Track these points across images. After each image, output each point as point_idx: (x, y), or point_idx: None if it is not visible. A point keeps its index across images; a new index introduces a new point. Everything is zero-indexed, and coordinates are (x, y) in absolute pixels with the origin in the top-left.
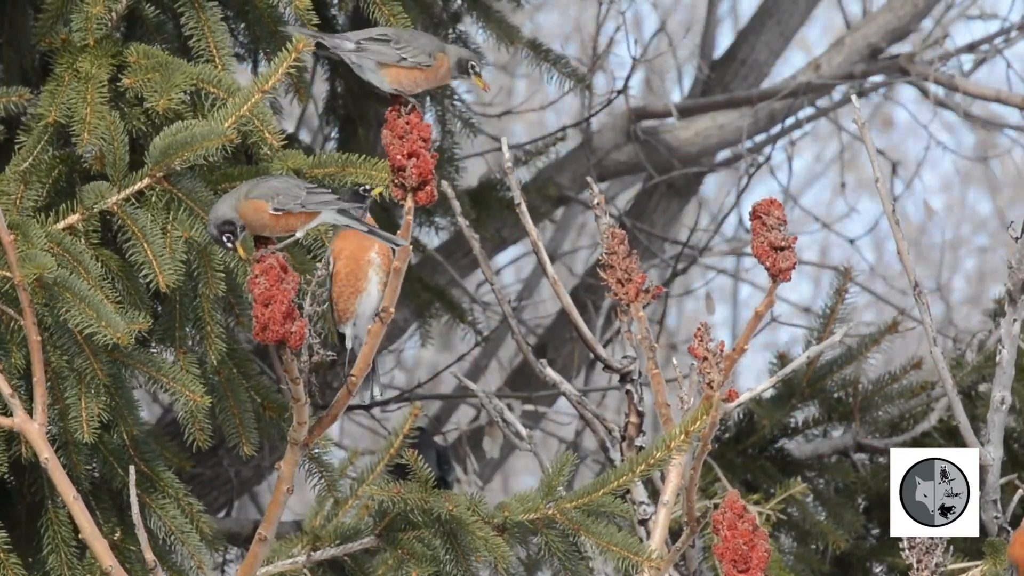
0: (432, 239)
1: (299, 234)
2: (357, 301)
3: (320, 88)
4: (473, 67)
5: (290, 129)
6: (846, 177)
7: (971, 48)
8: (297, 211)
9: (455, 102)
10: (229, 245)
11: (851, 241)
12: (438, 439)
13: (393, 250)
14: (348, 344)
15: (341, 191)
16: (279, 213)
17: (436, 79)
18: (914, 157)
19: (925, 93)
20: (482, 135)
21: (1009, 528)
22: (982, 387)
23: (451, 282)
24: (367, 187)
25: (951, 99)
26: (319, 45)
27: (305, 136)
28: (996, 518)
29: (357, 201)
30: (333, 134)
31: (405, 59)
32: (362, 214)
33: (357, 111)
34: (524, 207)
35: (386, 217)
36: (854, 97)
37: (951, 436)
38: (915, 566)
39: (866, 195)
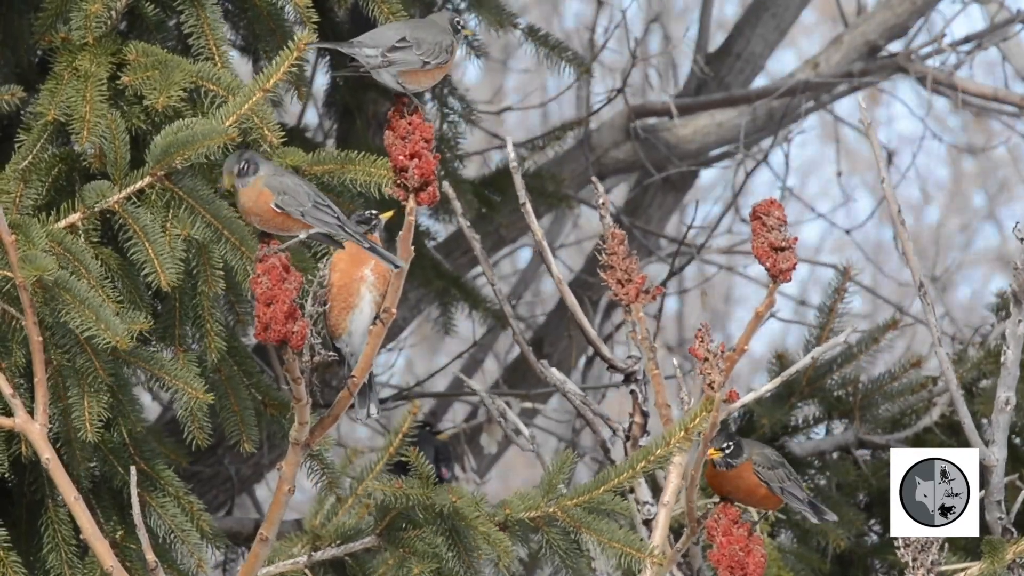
0: (448, 227)
1: (302, 235)
2: (349, 317)
3: (321, 81)
4: (458, 23)
5: (292, 122)
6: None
7: (967, 40)
8: (295, 217)
9: (454, 99)
10: (243, 171)
11: (847, 231)
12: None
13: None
14: (345, 354)
15: (350, 215)
16: (278, 211)
17: (449, 68)
18: (907, 138)
19: (923, 82)
20: (479, 132)
21: (1013, 529)
22: (983, 383)
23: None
24: (375, 212)
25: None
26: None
27: (311, 120)
28: (1000, 519)
29: (365, 224)
30: (333, 127)
31: (429, 63)
32: (370, 234)
33: (356, 103)
34: (529, 207)
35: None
36: (859, 96)
37: (953, 432)
38: (911, 564)
39: (861, 183)
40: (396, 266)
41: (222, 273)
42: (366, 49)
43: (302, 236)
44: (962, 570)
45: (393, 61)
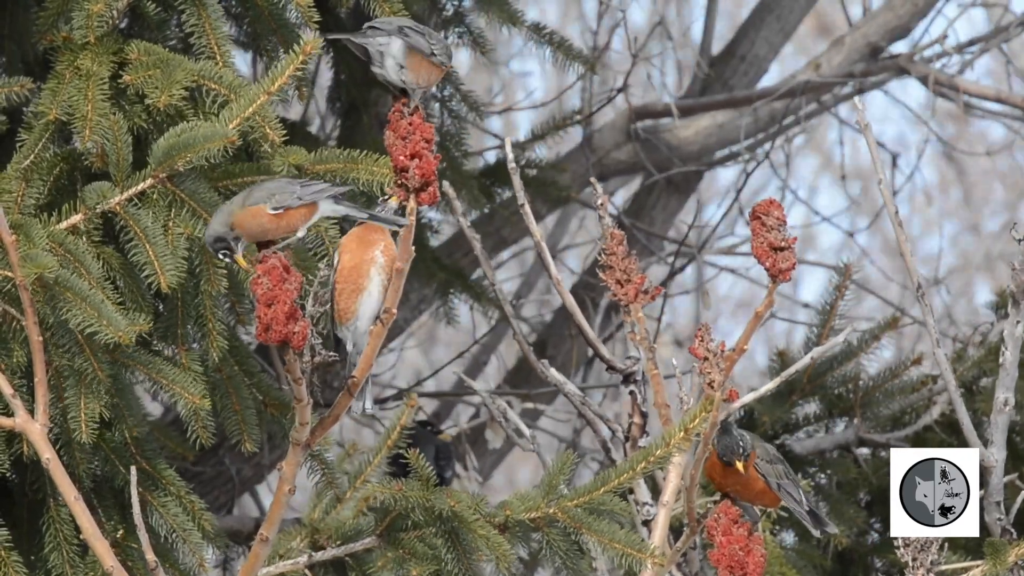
0: (451, 226)
1: (301, 232)
2: (358, 301)
3: (324, 78)
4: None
5: (295, 116)
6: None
7: (971, 44)
8: (296, 205)
9: (457, 98)
10: (227, 259)
11: (851, 234)
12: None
13: (395, 236)
14: (348, 348)
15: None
16: (278, 212)
17: (439, 78)
18: (911, 141)
19: (926, 83)
20: (476, 131)
21: (1012, 530)
22: (983, 381)
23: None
24: (385, 197)
25: (951, 93)
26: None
27: (312, 117)
28: (999, 519)
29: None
30: (337, 122)
31: (435, 55)
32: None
33: (361, 98)
34: (528, 208)
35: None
36: (857, 99)
37: (953, 430)
38: (910, 564)
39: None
40: (399, 226)
41: (224, 272)
42: (379, 37)
43: (301, 233)
44: (963, 570)
45: (409, 35)
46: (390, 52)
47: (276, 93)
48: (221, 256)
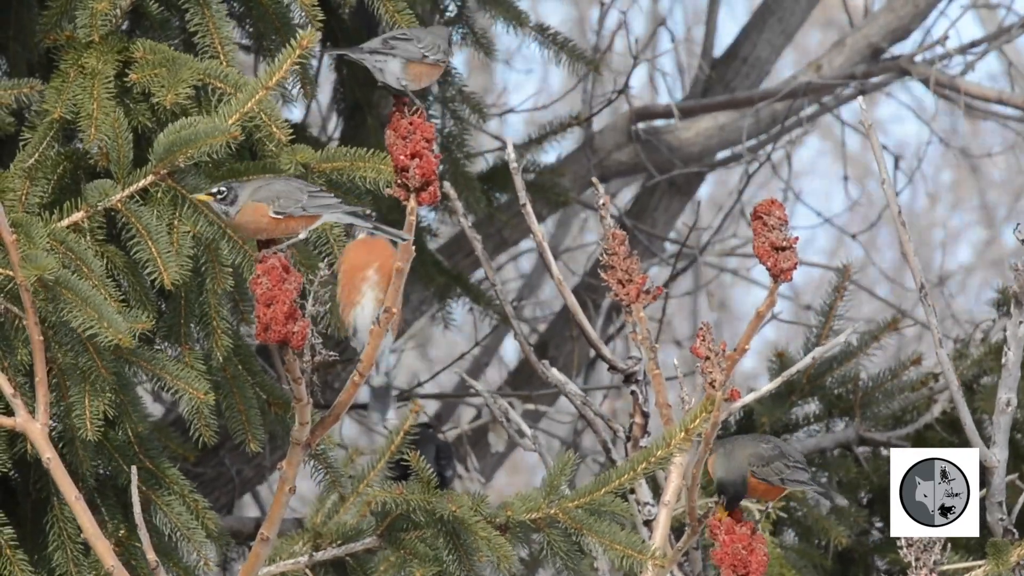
0: (450, 228)
1: (303, 235)
2: (352, 313)
3: (327, 76)
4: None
5: (296, 119)
6: (848, 169)
7: (972, 45)
8: (298, 214)
9: (460, 99)
10: (213, 191)
11: (853, 236)
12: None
13: (395, 244)
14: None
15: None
16: (280, 217)
17: (440, 73)
18: (911, 140)
19: (927, 85)
20: (481, 134)
21: (1014, 530)
22: (984, 380)
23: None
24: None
25: (952, 94)
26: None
27: (314, 119)
28: (1001, 520)
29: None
30: (341, 122)
31: (427, 56)
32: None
33: (365, 98)
34: (529, 207)
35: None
36: (860, 99)
37: (954, 428)
38: (913, 564)
39: (869, 186)
40: (402, 239)
41: (230, 271)
42: (377, 55)
43: (303, 235)
44: (965, 570)
45: (395, 47)
46: (389, 70)
47: (275, 88)
48: (216, 191)
